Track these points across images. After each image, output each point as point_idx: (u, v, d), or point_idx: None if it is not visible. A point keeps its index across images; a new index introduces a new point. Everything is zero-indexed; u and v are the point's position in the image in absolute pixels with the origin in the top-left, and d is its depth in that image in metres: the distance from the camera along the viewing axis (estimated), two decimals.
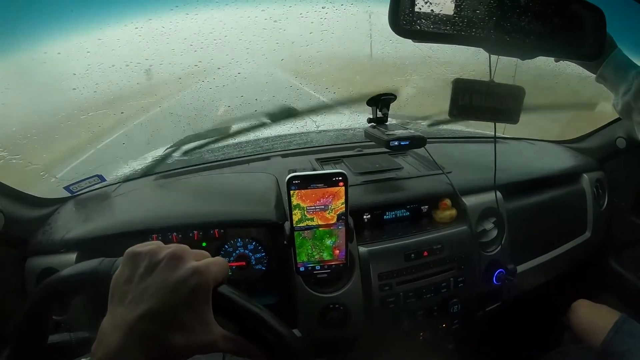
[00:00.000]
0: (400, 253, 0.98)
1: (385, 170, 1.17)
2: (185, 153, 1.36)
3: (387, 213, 1.07)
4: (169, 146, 1.37)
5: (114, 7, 1.04)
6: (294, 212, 0.78)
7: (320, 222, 0.80)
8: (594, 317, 1.13)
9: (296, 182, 0.76)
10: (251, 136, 1.43)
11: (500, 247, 1.11)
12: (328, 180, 0.76)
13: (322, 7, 1.15)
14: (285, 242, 0.83)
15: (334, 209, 0.79)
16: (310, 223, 0.80)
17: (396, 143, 1.02)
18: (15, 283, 0.97)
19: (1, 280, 0.94)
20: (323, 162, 1.26)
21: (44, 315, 0.61)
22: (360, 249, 0.97)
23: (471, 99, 0.83)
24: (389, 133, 1.05)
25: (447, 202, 1.08)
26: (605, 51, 0.78)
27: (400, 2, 0.63)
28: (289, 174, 0.77)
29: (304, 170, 1.06)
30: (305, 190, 0.77)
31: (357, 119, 1.46)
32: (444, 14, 0.66)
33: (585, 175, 1.42)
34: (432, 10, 0.65)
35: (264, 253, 1.04)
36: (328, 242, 0.83)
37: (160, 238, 1.02)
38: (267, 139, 1.45)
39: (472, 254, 1.05)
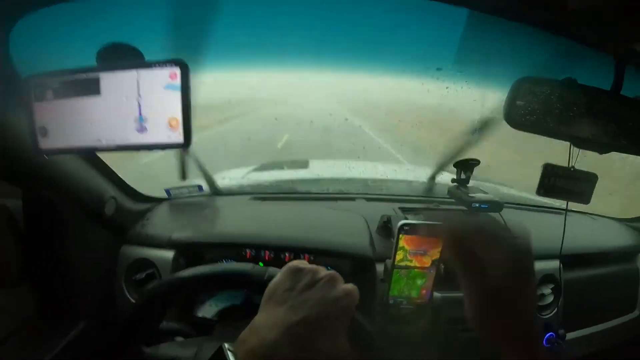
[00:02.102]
0: None
1: None
2: (279, 181, 1.62)
3: None
4: (258, 168, 1.63)
5: (262, 59, 1.32)
6: (399, 252, 1.03)
7: (417, 264, 1.04)
8: None
9: (406, 228, 1.01)
10: (337, 174, 1.69)
11: (554, 312, 1.31)
12: (432, 231, 1.01)
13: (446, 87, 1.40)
14: (382, 278, 1.08)
15: (431, 255, 1.04)
16: (409, 264, 1.04)
17: (477, 205, 1.27)
18: (106, 265, 1.22)
19: (97, 260, 1.19)
20: (405, 211, 1.47)
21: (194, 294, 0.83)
22: (435, 294, 1.17)
23: (555, 181, 1.08)
24: (471, 195, 1.31)
25: None
26: None
27: (514, 100, 0.88)
28: (382, 219, 1.04)
29: (394, 216, 1.31)
30: (411, 236, 1.01)
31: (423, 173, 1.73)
32: (541, 114, 0.90)
33: None
34: (536, 109, 0.90)
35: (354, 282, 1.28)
36: (419, 282, 1.06)
37: (253, 254, 1.26)
38: (351, 179, 1.71)
39: None
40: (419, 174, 1.80)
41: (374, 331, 0.70)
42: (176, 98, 0.67)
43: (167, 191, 1.41)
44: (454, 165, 1.38)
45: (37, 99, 0.70)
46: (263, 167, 1.67)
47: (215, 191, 1.52)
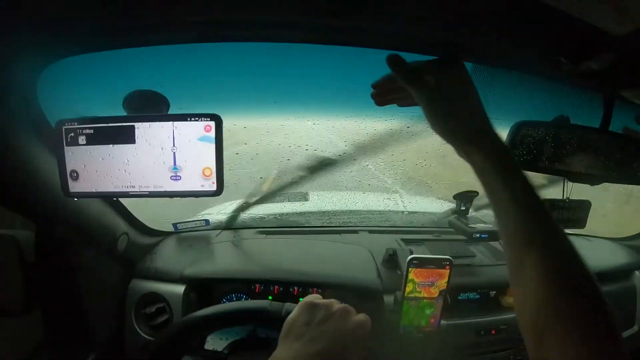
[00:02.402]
0: (473, 329, 1.24)
1: (461, 256, 1.45)
2: (281, 214, 1.66)
3: (461, 294, 1.33)
4: (259, 200, 1.66)
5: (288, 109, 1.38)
6: (408, 284, 1.08)
7: (425, 295, 1.10)
8: None
9: (415, 262, 1.06)
10: (338, 206, 1.73)
11: None
12: (438, 263, 1.07)
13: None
14: (392, 309, 1.12)
15: (438, 286, 1.09)
16: (417, 295, 1.09)
17: (477, 235, 1.33)
18: (116, 299, 1.23)
19: (107, 294, 1.20)
20: (407, 242, 1.52)
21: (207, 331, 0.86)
22: (441, 322, 1.22)
23: (553, 214, 1.13)
24: (471, 225, 1.36)
25: None
26: None
27: (511, 143, 0.92)
28: (387, 252, 1.19)
29: (399, 249, 1.35)
30: (420, 269, 1.07)
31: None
32: (537, 153, 0.94)
33: (637, 272, 1.63)
34: (532, 149, 0.95)
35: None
36: (427, 311, 1.11)
37: (262, 289, 1.29)
38: (353, 212, 1.75)
39: None
40: (419, 205, 1.85)
41: None
42: (210, 149, 0.72)
43: (175, 225, 1.43)
44: (454, 197, 1.43)
45: (69, 144, 0.73)
46: (264, 199, 1.70)
47: (221, 225, 1.54)
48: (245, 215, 1.62)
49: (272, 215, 1.66)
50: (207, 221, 1.47)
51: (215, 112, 0.71)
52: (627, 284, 1.61)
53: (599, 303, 0.44)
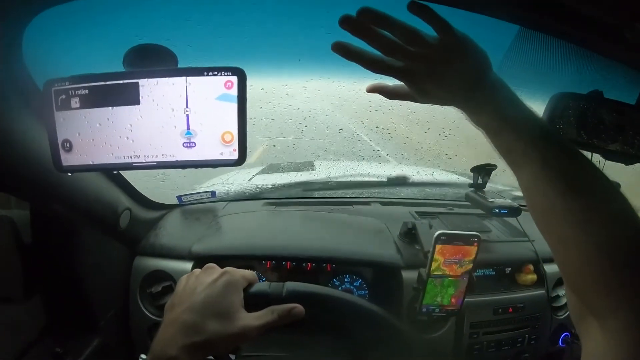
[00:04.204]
0: (490, 307, 1.15)
1: (477, 231, 1.35)
2: (288, 184, 1.52)
3: (477, 270, 1.23)
4: (264, 170, 1.53)
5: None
6: (434, 261, 0.97)
7: (450, 273, 0.99)
8: None
9: (443, 237, 0.95)
10: (346, 176, 1.60)
11: (568, 312, 1.29)
12: (466, 240, 0.96)
13: None
14: (416, 286, 1.01)
15: (464, 263, 0.98)
16: (443, 272, 0.98)
17: (497, 210, 1.21)
18: (119, 278, 1.11)
19: (108, 274, 1.08)
20: (421, 215, 1.41)
21: None
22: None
23: None
24: (490, 200, 1.25)
25: (530, 267, 1.26)
26: None
27: (551, 115, 0.82)
28: (405, 225, 1.14)
29: (419, 222, 1.24)
30: (447, 245, 0.96)
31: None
32: (576, 127, 0.85)
33: None
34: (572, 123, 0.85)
35: (367, 291, 1.21)
36: (451, 290, 1.01)
37: (273, 264, 1.18)
38: (363, 182, 1.62)
39: (546, 316, 1.22)
40: (431, 177, 1.73)
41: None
42: (231, 110, 0.59)
43: (179, 198, 1.30)
44: (471, 170, 1.32)
45: (60, 108, 0.58)
46: (268, 169, 1.56)
47: (227, 196, 1.40)
48: (252, 186, 1.48)
49: (280, 185, 1.52)
50: (213, 192, 1.34)
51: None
52: None
53: None
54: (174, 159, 0.61)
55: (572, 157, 0.47)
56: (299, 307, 0.57)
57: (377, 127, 1.75)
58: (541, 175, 0.46)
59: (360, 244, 1.21)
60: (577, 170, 0.45)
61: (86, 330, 1.02)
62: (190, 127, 0.59)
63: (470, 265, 0.99)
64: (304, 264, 1.18)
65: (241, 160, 0.61)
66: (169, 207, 1.33)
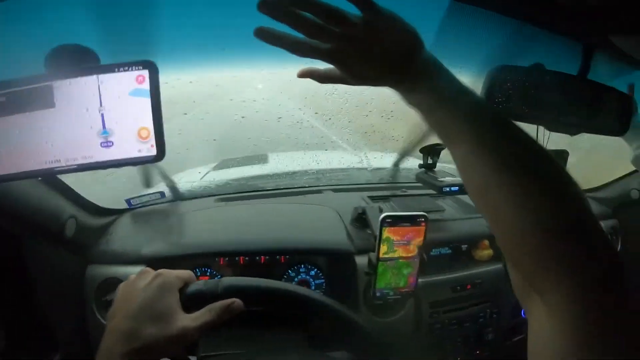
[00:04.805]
0: (448, 285, 1.17)
1: (430, 211, 1.37)
2: (241, 178, 1.51)
3: (432, 250, 1.24)
4: (217, 167, 1.51)
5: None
6: (382, 245, 0.97)
7: (402, 254, 1.00)
8: None
9: (389, 220, 0.95)
10: (298, 166, 1.60)
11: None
12: (413, 220, 0.97)
13: None
14: (367, 271, 1.02)
15: (414, 244, 0.99)
16: (393, 255, 0.99)
17: (447, 189, 1.23)
18: (73, 289, 1.09)
19: (61, 286, 1.05)
20: (374, 199, 1.42)
21: None
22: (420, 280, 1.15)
23: None
24: (440, 179, 1.27)
25: (486, 242, 1.28)
26: None
27: (490, 88, 0.80)
28: (356, 211, 1.14)
29: (369, 206, 1.25)
30: (394, 227, 0.97)
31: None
32: (516, 99, 0.86)
33: (600, 223, 1.63)
34: (510, 95, 0.86)
35: (323, 280, 1.21)
36: (405, 271, 1.02)
37: (227, 261, 1.17)
38: (315, 171, 1.62)
39: (505, 290, 1.24)
40: (381, 161, 1.75)
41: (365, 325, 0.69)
42: (144, 105, 0.57)
43: (128, 201, 1.27)
44: (420, 151, 1.34)
45: None
46: (221, 165, 1.56)
47: (178, 196, 1.38)
48: (202, 183, 1.47)
49: (230, 180, 1.52)
50: (162, 193, 1.32)
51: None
52: None
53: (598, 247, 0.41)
54: (94, 160, 0.59)
55: (507, 132, 0.46)
56: (237, 302, 0.56)
57: (315, 112, 1.74)
58: (475, 152, 0.45)
59: (312, 233, 1.21)
60: (511, 145, 0.45)
61: (46, 347, 1.00)
62: (106, 126, 0.58)
63: (421, 245, 1.00)
64: (257, 258, 1.17)
65: (160, 156, 0.60)
66: (119, 212, 1.30)
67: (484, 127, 0.46)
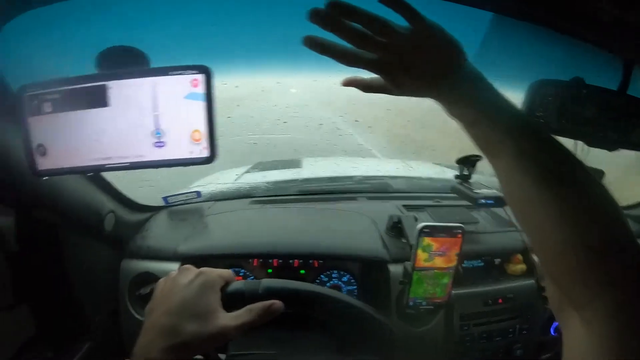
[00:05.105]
0: (480, 298, 1.15)
1: (465, 223, 1.35)
2: (275, 182, 1.52)
3: (465, 262, 1.23)
4: (251, 169, 1.53)
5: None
6: (419, 254, 0.97)
7: (437, 265, 0.99)
8: None
9: (426, 230, 0.95)
10: (332, 172, 1.60)
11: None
12: (450, 231, 0.96)
13: None
14: (402, 280, 1.01)
15: (450, 255, 0.98)
16: (429, 265, 0.98)
17: (483, 201, 1.22)
18: (108, 281, 1.11)
19: (98, 277, 1.09)
20: (408, 208, 1.41)
21: None
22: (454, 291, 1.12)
23: None
24: (476, 191, 1.25)
25: (519, 257, 1.26)
26: None
27: (531, 103, 0.80)
28: (391, 219, 1.14)
29: (404, 215, 1.24)
30: (431, 238, 0.96)
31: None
32: (556, 114, 0.82)
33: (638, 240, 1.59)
34: (551, 110, 0.82)
35: (356, 286, 1.21)
36: (440, 282, 1.01)
37: (260, 262, 1.18)
38: (349, 177, 1.62)
39: (536, 306, 1.22)
40: (417, 171, 1.74)
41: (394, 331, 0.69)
42: (199, 108, 0.59)
43: (165, 199, 1.30)
44: (457, 162, 1.32)
45: (33, 113, 0.59)
46: (257, 168, 1.57)
47: (214, 196, 1.41)
48: (238, 185, 1.48)
49: (266, 183, 1.53)
50: (198, 193, 1.34)
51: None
52: None
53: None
54: (145, 159, 0.61)
55: (548, 146, 0.46)
56: (277, 304, 0.57)
57: (356, 120, 1.75)
58: (516, 165, 0.46)
59: (346, 239, 1.21)
60: (553, 161, 0.45)
61: (77, 335, 1.03)
62: (160, 127, 0.59)
63: (456, 257, 0.99)
64: (290, 261, 1.18)
65: (212, 157, 0.61)
66: (155, 209, 1.34)
67: (525, 142, 0.46)
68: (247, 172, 1.69)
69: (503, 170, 0.48)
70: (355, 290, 1.21)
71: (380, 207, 1.43)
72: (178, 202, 1.35)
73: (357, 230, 1.25)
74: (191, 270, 0.60)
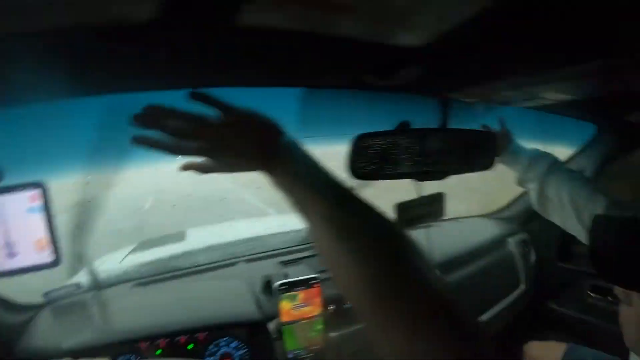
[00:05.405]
0: (365, 335, 1.27)
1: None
2: (158, 260, 1.56)
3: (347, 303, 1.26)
4: (136, 249, 1.56)
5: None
6: (283, 309, 1.08)
7: (304, 316, 1.11)
8: (545, 352, 1.34)
9: (284, 287, 1.08)
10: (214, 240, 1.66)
11: None
12: (306, 283, 1.10)
13: None
14: (275, 337, 1.11)
15: (315, 304, 1.11)
16: (297, 317, 1.10)
17: None
18: None
19: None
20: (284, 264, 1.48)
21: None
22: (331, 335, 1.20)
23: (411, 213, 1.14)
24: None
25: None
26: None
27: (353, 156, 0.85)
28: (263, 280, 1.20)
29: (274, 274, 1.30)
30: (292, 292, 1.09)
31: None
32: (381, 161, 0.89)
33: (510, 239, 1.76)
34: (375, 158, 0.88)
35: (247, 349, 1.24)
36: (311, 331, 1.12)
37: (148, 344, 1.21)
38: (229, 244, 1.70)
39: None
40: (292, 223, 1.83)
41: None
42: (40, 219, 0.67)
43: (46, 295, 1.29)
44: None
45: None
46: (140, 247, 1.59)
47: (96, 285, 1.42)
48: (121, 268, 1.51)
49: (148, 263, 1.55)
50: (78, 285, 1.34)
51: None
52: (505, 252, 1.74)
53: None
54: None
55: (345, 205, 0.51)
56: None
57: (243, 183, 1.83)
58: (321, 223, 0.50)
59: (224, 307, 1.27)
60: (349, 217, 0.49)
61: None
62: (10, 239, 0.67)
63: (319, 304, 1.11)
64: (176, 339, 1.21)
65: (57, 261, 0.69)
66: (37, 307, 1.32)
67: (331, 204, 0.50)
68: (132, 252, 1.70)
69: (312, 227, 0.52)
70: (247, 354, 1.23)
71: (257, 268, 1.49)
72: (59, 297, 1.34)
73: (232, 297, 1.32)
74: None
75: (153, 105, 0.52)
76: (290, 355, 1.11)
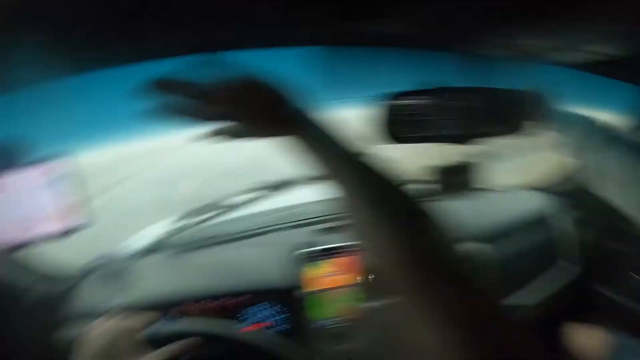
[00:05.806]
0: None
1: None
2: (194, 228, 1.59)
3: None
4: (177, 219, 1.61)
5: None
6: (309, 278, 1.10)
7: (332, 285, 1.11)
8: (591, 341, 1.21)
9: (312, 255, 1.09)
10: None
11: None
12: (336, 252, 1.11)
13: None
14: (300, 306, 1.12)
15: (345, 273, 1.10)
16: (323, 287, 1.10)
17: None
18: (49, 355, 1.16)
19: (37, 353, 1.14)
20: (318, 233, 1.43)
21: None
22: (364, 306, 1.13)
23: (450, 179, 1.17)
24: None
25: None
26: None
27: (390, 117, 0.83)
28: (298, 248, 1.16)
29: (305, 242, 1.30)
30: (324, 260, 1.10)
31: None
32: (418, 123, 0.85)
33: (558, 215, 1.65)
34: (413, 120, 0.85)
35: (282, 316, 1.23)
36: (339, 301, 1.12)
37: (190, 306, 1.24)
38: (264, 212, 1.70)
39: None
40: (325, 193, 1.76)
41: None
42: (72, 185, 0.74)
43: (91, 262, 1.38)
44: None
45: None
46: (180, 217, 1.63)
47: (141, 252, 1.49)
48: (163, 237, 1.55)
49: (187, 231, 1.59)
50: (121, 252, 1.42)
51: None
52: (552, 228, 1.64)
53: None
54: (44, 234, 0.74)
55: (363, 172, 0.52)
56: (190, 342, 0.69)
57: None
58: (346, 188, 0.51)
59: (257, 274, 1.30)
60: (364, 183, 0.51)
61: None
62: (45, 207, 0.73)
63: (352, 274, 1.10)
64: (217, 301, 1.25)
65: (89, 223, 0.76)
66: (82, 273, 1.39)
67: (344, 169, 0.51)
68: (174, 221, 1.75)
69: (340, 193, 0.52)
70: (282, 320, 1.23)
71: (291, 236, 1.47)
72: (101, 264, 1.42)
73: (266, 264, 1.33)
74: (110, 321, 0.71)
75: (165, 78, 0.53)
76: (315, 325, 1.11)
